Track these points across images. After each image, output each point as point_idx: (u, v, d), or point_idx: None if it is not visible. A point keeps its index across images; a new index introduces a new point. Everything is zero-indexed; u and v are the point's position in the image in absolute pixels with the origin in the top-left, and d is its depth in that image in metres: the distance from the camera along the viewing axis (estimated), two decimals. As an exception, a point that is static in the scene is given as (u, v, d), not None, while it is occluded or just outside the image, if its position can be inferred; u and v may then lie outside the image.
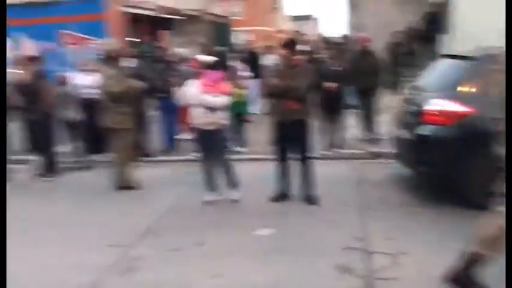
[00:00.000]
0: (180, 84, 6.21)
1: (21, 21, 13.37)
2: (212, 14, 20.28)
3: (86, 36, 13.07)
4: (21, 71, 7.64)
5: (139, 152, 7.13)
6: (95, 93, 6.67)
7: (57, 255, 4.23)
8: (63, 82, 7.22)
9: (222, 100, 5.22)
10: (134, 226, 4.82)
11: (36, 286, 3.75)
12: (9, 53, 12.30)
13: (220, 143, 5.40)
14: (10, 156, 7.36)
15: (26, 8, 13.72)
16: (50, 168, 6.95)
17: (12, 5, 14.03)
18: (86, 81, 7.26)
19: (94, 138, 7.33)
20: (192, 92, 5.30)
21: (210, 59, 5.95)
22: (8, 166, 7.09)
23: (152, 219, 5.00)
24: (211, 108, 5.21)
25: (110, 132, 6.04)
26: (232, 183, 5.51)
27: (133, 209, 5.39)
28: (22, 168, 7.33)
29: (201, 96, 5.19)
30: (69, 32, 13.17)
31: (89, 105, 7.12)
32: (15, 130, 7.86)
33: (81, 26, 13.07)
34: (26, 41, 13.26)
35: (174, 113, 7.94)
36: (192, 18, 18.37)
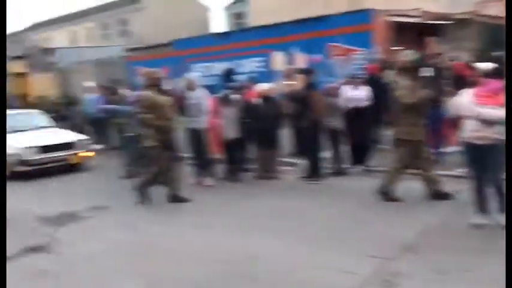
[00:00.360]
0: (452, 94, 5.81)
1: (294, 36, 14.81)
2: (485, 15, 18.44)
3: (352, 47, 13.57)
4: (293, 82, 8.46)
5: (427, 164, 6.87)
6: (362, 104, 6.87)
7: (316, 255, 4.47)
8: (333, 93, 7.62)
9: (500, 113, 4.64)
10: (396, 240, 4.71)
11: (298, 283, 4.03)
12: (282, 66, 13.82)
13: (494, 160, 4.81)
14: (280, 159, 8.25)
15: (299, 24, 15.12)
16: (315, 172, 7.44)
17: (287, 23, 15.74)
18: (354, 94, 7.62)
19: (355, 147, 7.59)
20: (465, 102, 4.89)
21: (489, 66, 5.36)
22: (279, 167, 8.02)
23: (415, 235, 4.81)
24: (487, 122, 4.69)
25: (400, 143, 6.04)
26: (504, 207, 4.85)
27: (395, 222, 5.28)
28: (290, 170, 8.10)
29: (476, 108, 4.73)
30: (337, 44, 13.90)
31: (353, 116, 7.36)
32: (286, 135, 8.74)
33: (348, 37, 13.62)
34: (298, 55, 14.62)
35: (441, 124, 7.50)
36: (461, 22, 17.08)
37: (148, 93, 6.47)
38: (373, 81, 8.40)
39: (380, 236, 4.86)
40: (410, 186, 6.39)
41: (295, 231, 5.21)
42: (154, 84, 6.55)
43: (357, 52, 13.48)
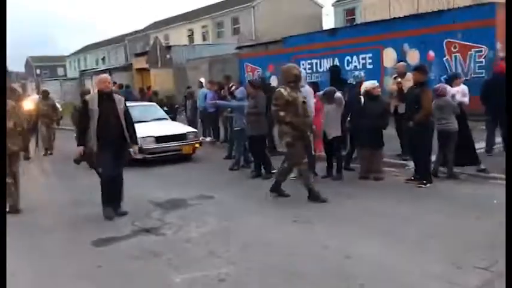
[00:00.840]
0: None
1: (406, 32, 14.19)
2: None
3: (472, 44, 12.65)
4: (404, 80, 8.12)
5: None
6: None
7: (418, 262, 4.26)
8: (442, 93, 7.20)
9: None
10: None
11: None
12: (393, 63, 13.31)
13: None
14: (387, 159, 8.00)
15: (412, 20, 14.44)
16: (423, 175, 7.07)
17: (399, 18, 15.12)
18: (456, 91, 7.51)
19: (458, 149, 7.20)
20: None
21: None
22: (386, 168, 7.78)
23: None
24: None
25: None
26: None
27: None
28: (397, 172, 7.81)
29: None
30: (454, 40, 13.06)
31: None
32: (393, 134, 8.44)
33: (468, 33, 12.73)
34: (410, 51, 13.99)
35: None
36: None
37: (282, 90, 6.42)
38: (499, 80, 7.84)
39: (491, 248, 4.49)
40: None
41: (394, 234, 5.03)
42: (291, 81, 6.46)
43: (475, 49, 12.56)
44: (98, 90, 6.15)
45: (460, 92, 7.81)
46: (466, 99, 7.91)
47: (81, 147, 6.08)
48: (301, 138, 6.47)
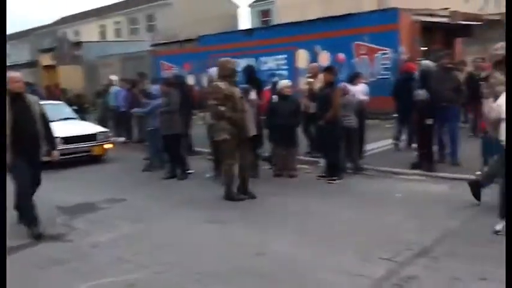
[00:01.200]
0: (489, 95, 5.60)
1: (318, 34, 14.66)
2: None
3: (378, 46, 13.35)
4: (314, 80, 8.37)
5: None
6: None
7: (326, 256, 4.39)
8: (344, 92, 7.52)
9: None
10: (411, 243, 4.59)
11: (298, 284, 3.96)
12: (306, 64, 13.70)
13: None
14: (299, 157, 8.20)
15: (324, 22, 14.96)
16: (334, 171, 7.33)
17: (312, 20, 15.60)
18: (357, 90, 7.94)
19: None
20: (502, 104, 4.73)
21: None
22: (299, 166, 7.96)
23: (432, 240, 4.67)
24: None
25: None
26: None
27: (414, 225, 5.14)
28: (309, 169, 8.03)
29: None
30: (362, 43, 13.70)
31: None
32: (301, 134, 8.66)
33: (374, 36, 13.41)
34: (322, 53, 14.48)
35: (456, 124, 7.82)
36: (493, 23, 16.63)
37: (221, 84, 6.25)
38: (406, 79, 8.39)
39: (394, 239, 4.75)
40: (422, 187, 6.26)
41: (307, 230, 5.15)
42: (227, 75, 6.33)
43: (381, 51, 13.29)
44: (9, 91, 5.24)
45: (360, 91, 8.20)
46: (366, 98, 8.34)
47: None
48: (238, 135, 6.33)
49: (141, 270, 4.21)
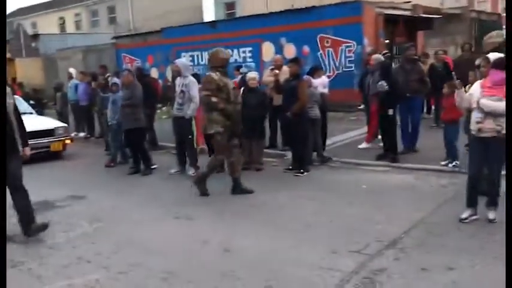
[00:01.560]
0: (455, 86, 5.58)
1: (283, 27, 14.58)
2: (477, 11, 18.39)
3: (342, 39, 13.37)
4: (280, 72, 8.27)
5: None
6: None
7: (294, 250, 4.31)
8: (309, 84, 7.49)
9: (503, 104, 4.46)
10: (379, 235, 4.56)
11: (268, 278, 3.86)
12: (271, 56, 13.61)
13: (495, 153, 4.67)
14: (266, 150, 8.09)
15: (289, 15, 14.89)
16: (300, 163, 7.26)
17: (277, 13, 15.51)
18: (317, 83, 7.97)
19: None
20: (473, 94, 4.74)
21: (496, 56, 5.15)
22: (265, 159, 7.86)
23: (399, 231, 4.66)
24: (491, 114, 4.55)
25: None
26: (494, 203, 4.75)
27: (380, 217, 5.11)
28: (276, 161, 7.94)
29: (480, 100, 4.59)
30: (327, 35, 13.70)
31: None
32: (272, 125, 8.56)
33: (338, 29, 13.43)
34: (287, 45, 14.41)
35: (418, 114, 8.03)
36: (452, 17, 17.01)
37: (214, 75, 5.99)
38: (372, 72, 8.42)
39: (362, 231, 4.71)
40: (387, 177, 6.28)
41: (274, 224, 5.05)
42: (219, 65, 6.09)
43: (346, 44, 13.32)
44: None
45: (321, 84, 8.20)
46: (326, 90, 8.34)
47: None
48: (232, 127, 6.11)
49: (102, 271, 4.01)
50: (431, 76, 9.06)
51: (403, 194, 5.94)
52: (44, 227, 4.89)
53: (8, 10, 58.68)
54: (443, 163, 6.89)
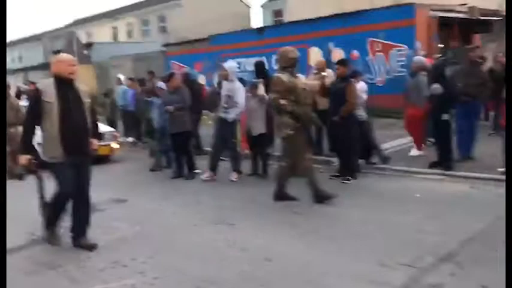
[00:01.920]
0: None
1: (331, 31, 14.28)
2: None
3: (393, 43, 12.91)
4: (325, 74, 7.97)
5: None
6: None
7: (343, 262, 4.02)
8: None
9: None
10: (433, 247, 4.19)
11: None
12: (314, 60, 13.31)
13: None
14: (315, 156, 7.80)
15: (336, 19, 14.56)
16: (348, 170, 6.93)
17: (324, 18, 15.22)
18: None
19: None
20: None
21: None
22: (314, 165, 7.56)
23: (455, 243, 4.27)
24: None
25: None
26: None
27: (435, 229, 4.72)
28: (323, 168, 7.64)
29: None
30: (377, 39, 13.27)
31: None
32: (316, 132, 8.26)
33: (389, 33, 12.98)
34: (335, 50, 14.08)
35: (476, 120, 7.61)
36: (511, 19, 16.09)
37: (283, 76, 5.75)
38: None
39: (415, 243, 4.35)
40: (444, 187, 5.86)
41: (318, 233, 4.77)
42: (288, 65, 5.80)
43: (397, 48, 12.85)
44: (56, 76, 4.36)
45: (360, 89, 7.82)
46: (365, 96, 7.86)
47: (27, 156, 4.44)
48: (303, 130, 5.82)
49: (137, 276, 3.88)
50: (490, 80, 8.51)
51: (459, 203, 5.52)
52: (92, 247, 4.58)
53: (66, 21, 61.51)
54: (500, 170, 6.37)
